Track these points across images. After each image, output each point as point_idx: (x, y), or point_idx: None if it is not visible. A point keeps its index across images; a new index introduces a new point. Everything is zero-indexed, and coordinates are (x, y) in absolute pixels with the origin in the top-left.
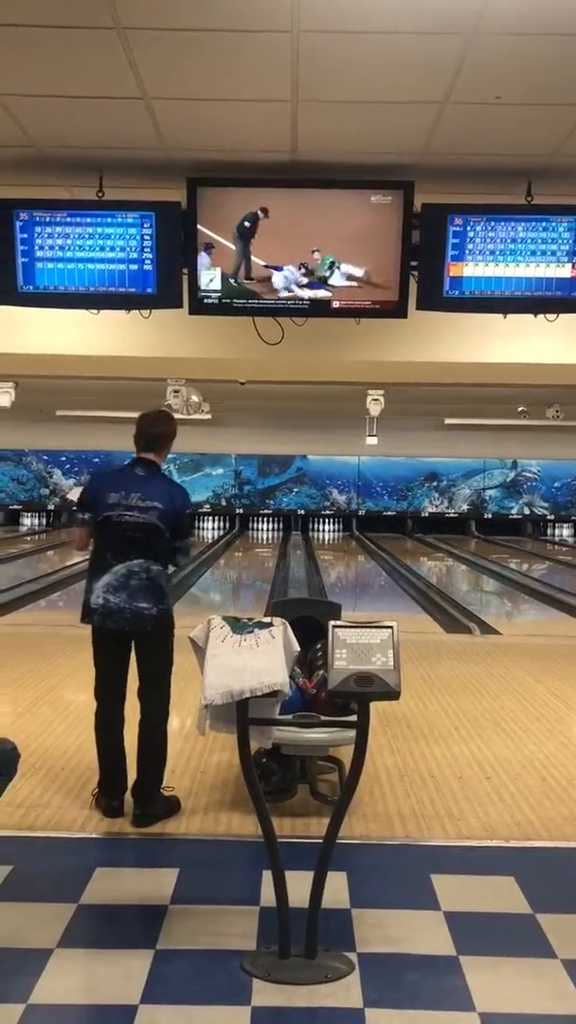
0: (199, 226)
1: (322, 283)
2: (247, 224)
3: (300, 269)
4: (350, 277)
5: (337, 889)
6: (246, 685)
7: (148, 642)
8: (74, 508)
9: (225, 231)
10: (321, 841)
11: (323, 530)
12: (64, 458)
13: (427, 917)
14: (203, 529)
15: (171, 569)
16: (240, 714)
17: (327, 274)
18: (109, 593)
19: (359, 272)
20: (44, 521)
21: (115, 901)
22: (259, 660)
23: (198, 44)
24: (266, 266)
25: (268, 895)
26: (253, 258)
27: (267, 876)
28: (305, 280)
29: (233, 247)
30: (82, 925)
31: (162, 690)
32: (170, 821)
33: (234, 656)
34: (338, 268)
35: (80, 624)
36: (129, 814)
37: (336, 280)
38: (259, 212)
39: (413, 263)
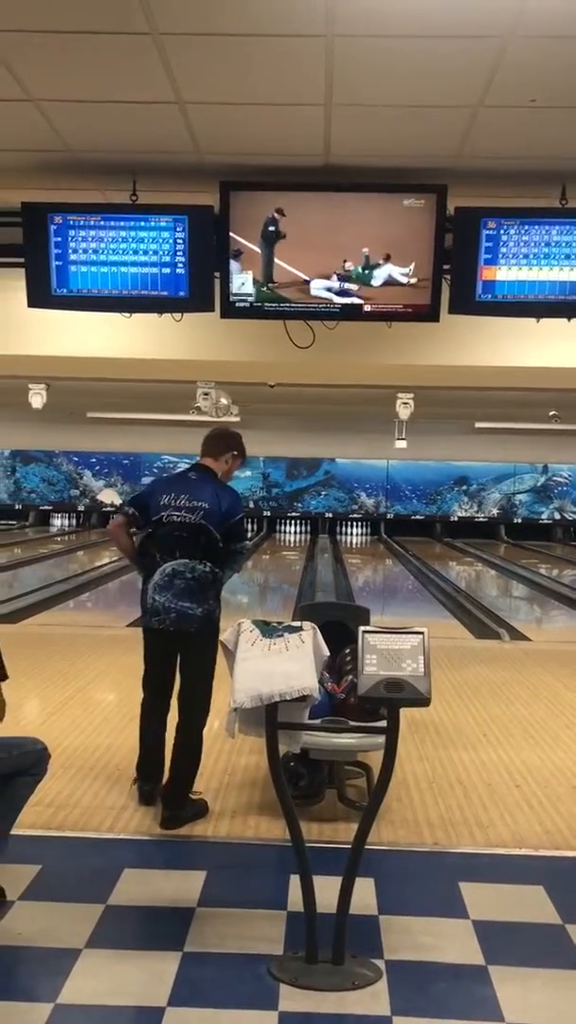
0: (231, 231)
1: (362, 285)
2: (270, 228)
3: (339, 272)
4: (389, 281)
5: (365, 895)
6: (275, 689)
7: (192, 642)
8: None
9: (255, 235)
10: (348, 846)
11: (351, 533)
12: (94, 459)
13: (455, 925)
14: (247, 551)
15: (230, 575)
16: (269, 718)
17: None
18: (156, 592)
19: (400, 274)
20: (74, 522)
21: (143, 902)
22: (288, 664)
23: (232, 48)
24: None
25: (295, 899)
26: (279, 262)
27: (294, 880)
28: (345, 286)
29: (260, 252)
30: (110, 926)
31: (203, 694)
32: (198, 823)
33: (263, 660)
34: (375, 270)
35: (109, 625)
36: (155, 805)
37: (375, 282)
38: (274, 214)
39: (446, 267)
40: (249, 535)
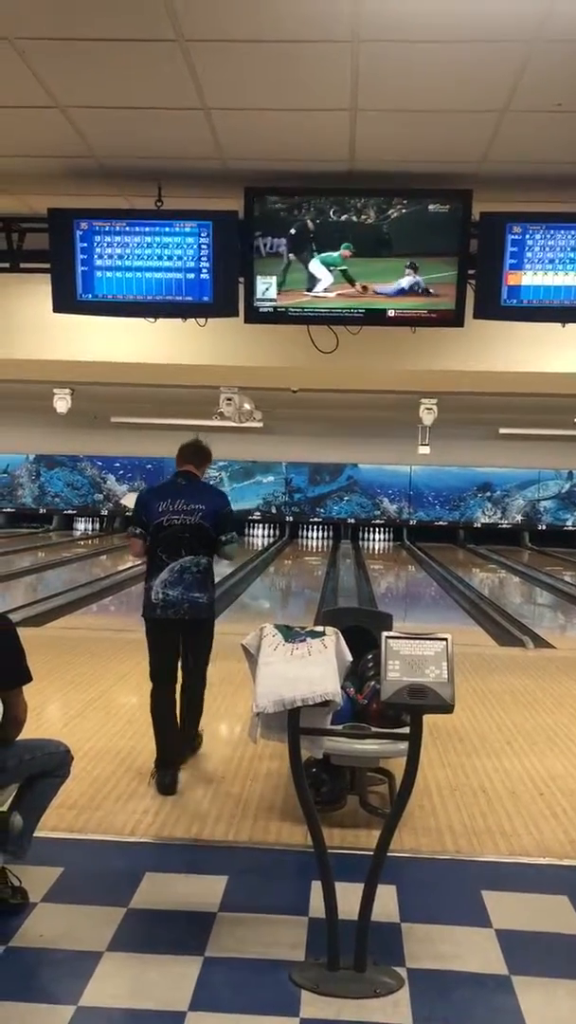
0: (256, 235)
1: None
2: (295, 233)
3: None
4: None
5: (386, 902)
6: (298, 694)
7: (200, 627)
8: (129, 525)
9: (282, 241)
10: (371, 853)
11: (373, 539)
12: (118, 464)
13: (478, 934)
14: (253, 536)
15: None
16: (291, 723)
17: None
18: (168, 588)
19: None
20: (98, 526)
21: (164, 906)
22: (311, 669)
23: (258, 54)
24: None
25: (317, 906)
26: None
27: (316, 886)
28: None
29: (288, 257)
30: (131, 929)
31: (205, 664)
32: (219, 827)
33: (286, 665)
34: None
35: (131, 628)
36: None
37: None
38: (307, 222)
39: (471, 271)
40: (237, 534)
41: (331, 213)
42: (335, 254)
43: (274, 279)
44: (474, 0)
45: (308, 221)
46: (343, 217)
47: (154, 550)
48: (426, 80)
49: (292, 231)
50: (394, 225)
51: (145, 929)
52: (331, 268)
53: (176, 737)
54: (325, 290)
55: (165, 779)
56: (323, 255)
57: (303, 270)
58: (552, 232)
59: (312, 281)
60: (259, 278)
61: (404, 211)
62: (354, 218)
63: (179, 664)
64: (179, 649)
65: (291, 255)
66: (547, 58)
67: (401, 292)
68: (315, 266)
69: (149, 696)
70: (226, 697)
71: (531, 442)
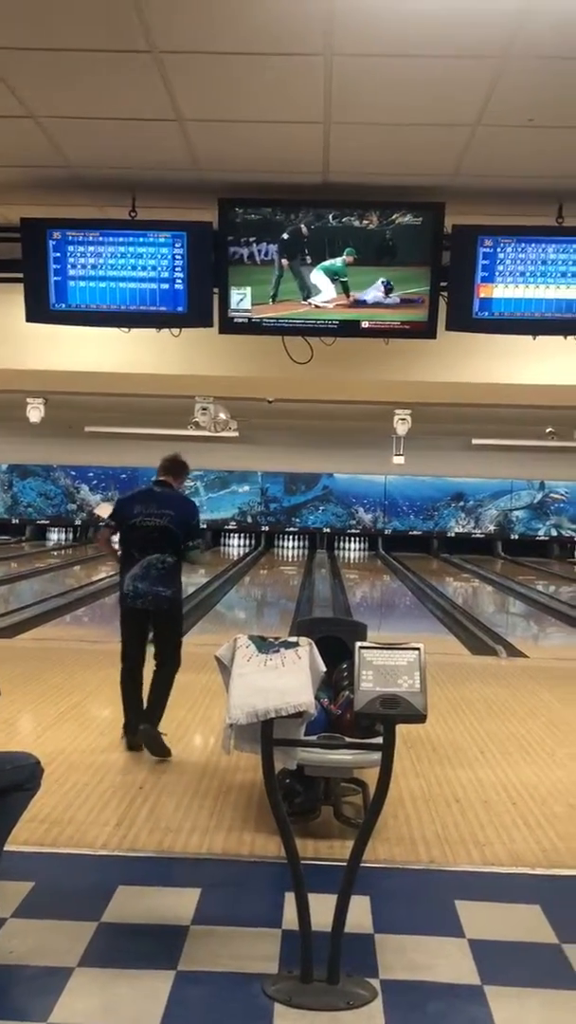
0: (230, 246)
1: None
2: (288, 239)
3: (384, 286)
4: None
5: (360, 913)
6: (271, 705)
7: (164, 617)
8: (103, 523)
9: (259, 250)
10: (344, 864)
11: (348, 549)
12: (92, 474)
13: (451, 944)
14: (228, 546)
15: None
16: (265, 734)
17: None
18: (137, 581)
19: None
20: (71, 536)
21: (137, 920)
22: (285, 680)
23: (232, 67)
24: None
25: (290, 917)
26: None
27: (290, 898)
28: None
29: (279, 265)
30: (103, 944)
31: (174, 654)
32: (192, 839)
33: (260, 676)
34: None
35: (105, 639)
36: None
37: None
38: (302, 227)
39: (443, 284)
40: (202, 541)
41: (330, 219)
42: (338, 262)
43: (249, 290)
44: (445, 16)
45: (303, 227)
46: (342, 221)
47: (128, 548)
48: (399, 94)
49: (285, 237)
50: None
51: (117, 944)
52: (335, 278)
53: (140, 712)
54: (326, 301)
55: (131, 741)
56: (326, 264)
57: (296, 279)
58: (523, 245)
59: (309, 291)
60: (233, 289)
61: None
62: (357, 223)
63: (144, 649)
64: (146, 635)
65: (284, 262)
66: (518, 74)
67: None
68: (317, 276)
69: (120, 673)
70: (200, 708)
71: (504, 453)
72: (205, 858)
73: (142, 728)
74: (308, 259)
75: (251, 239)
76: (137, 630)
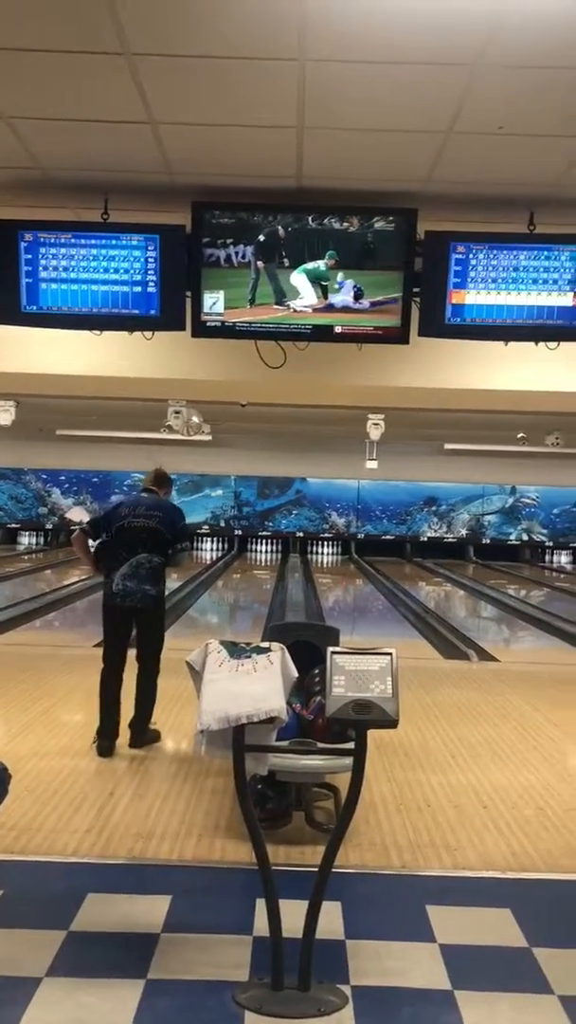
0: (205, 248)
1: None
2: (265, 241)
3: (355, 290)
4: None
5: (332, 919)
6: (243, 711)
7: (149, 615)
8: (75, 526)
9: (235, 253)
10: (316, 870)
11: (322, 553)
12: (63, 477)
13: (422, 949)
14: (201, 550)
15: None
16: (236, 740)
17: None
18: (126, 580)
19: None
20: (42, 540)
21: (106, 928)
22: (256, 686)
23: (206, 70)
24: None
25: (262, 924)
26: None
27: (261, 904)
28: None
29: (255, 268)
30: (72, 953)
31: (156, 654)
32: (163, 846)
33: (231, 681)
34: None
35: (76, 644)
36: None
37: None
38: (279, 229)
39: (415, 289)
40: (190, 544)
41: (310, 221)
42: (321, 265)
43: (222, 293)
44: (418, 24)
45: (280, 229)
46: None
47: (117, 548)
48: (371, 100)
49: (261, 239)
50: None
51: (86, 952)
52: (317, 282)
53: (117, 714)
54: (306, 305)
55: (105, 742)
56: (310, 267)
57: (272, 283)
58: (495, 252)
59: (284, 295)
60: (206, 292)
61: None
62: (337, 225)
63: (126, 650)
64: (130, 636)
65: (260, 265)
66: (489, 82)
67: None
68: (298, 279)
69: (100, 674)
70: (172, 714)
71: (475, 458)
72: (176, 865)
73: (133, 739)
74: (285, 262)
75: (227, 241)
76: (123, 629)
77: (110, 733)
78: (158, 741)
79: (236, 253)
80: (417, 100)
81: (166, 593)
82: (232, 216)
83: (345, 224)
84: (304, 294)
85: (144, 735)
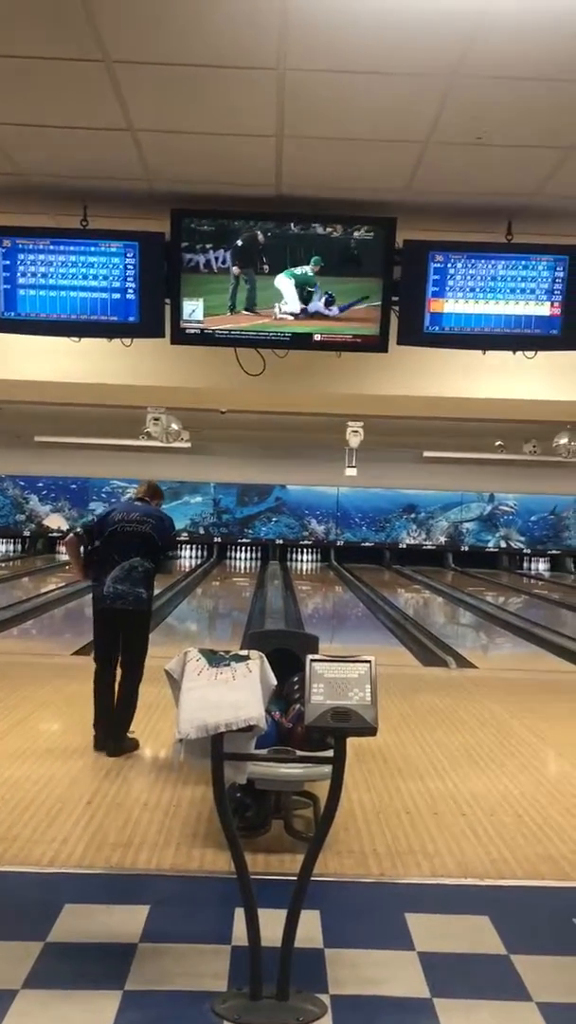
0: (184, 253)
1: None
2: (244, 247)
3: (325, 296)
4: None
5: (310, 928)
6: (221, 719)
7: (138, 619)
8: (73, 531)
9: (215, 258)
10: (295, 878)
11: (301, 560)
12: (41, 484)
13: (401, 958)
14: (180, 557)
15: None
16: (215, 748)
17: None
18: (118, 583)
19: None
20: (19, 547)
21: (84, 939)
22: (235, 694)
23: (185, 78)
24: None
25: (240, 933)
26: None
27: (240, 913)
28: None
29: (234, 276)
30: (49, 964)
31: (141, 661)
32: (141, 855)
33: (210, 689)
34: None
35: (54, 653)
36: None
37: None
38: (258, 235)
39: (394, 298)
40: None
41: (292, 226)
42: (308, 271)
43: (202, 300)
44: (396, 34)
45: (259, 235)
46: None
47: (109, 553)
48: (350, 109)
49: (239, 244)
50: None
51: (63, 964)
52: (303, 287)
53: (110, 709)
54: (289, 312)
55: (99, 738)
56: (298, 273)
57: (253, 289)
58: (473, 261)
59: (266, 301)
60: (185, 299)
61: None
62: (320, 230)
63: (118, 651)
64: (119, 639)
65: (235, 270)
66: (467, 93)
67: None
68: (283, 283)
69: (93, 674)
70: (150, 722)
71: (454, 465)
72: (154, 874)
73: (109, 747)
74: (266, 268)
75: (206, 247)
76: (114, 632)
77: (102, 726)
78: (136, 750)
79: (216, 259)
80: (396, 110)
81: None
82: (211, 223)
83: (328, 230)
84: (288, 299)
85: (122, 743)
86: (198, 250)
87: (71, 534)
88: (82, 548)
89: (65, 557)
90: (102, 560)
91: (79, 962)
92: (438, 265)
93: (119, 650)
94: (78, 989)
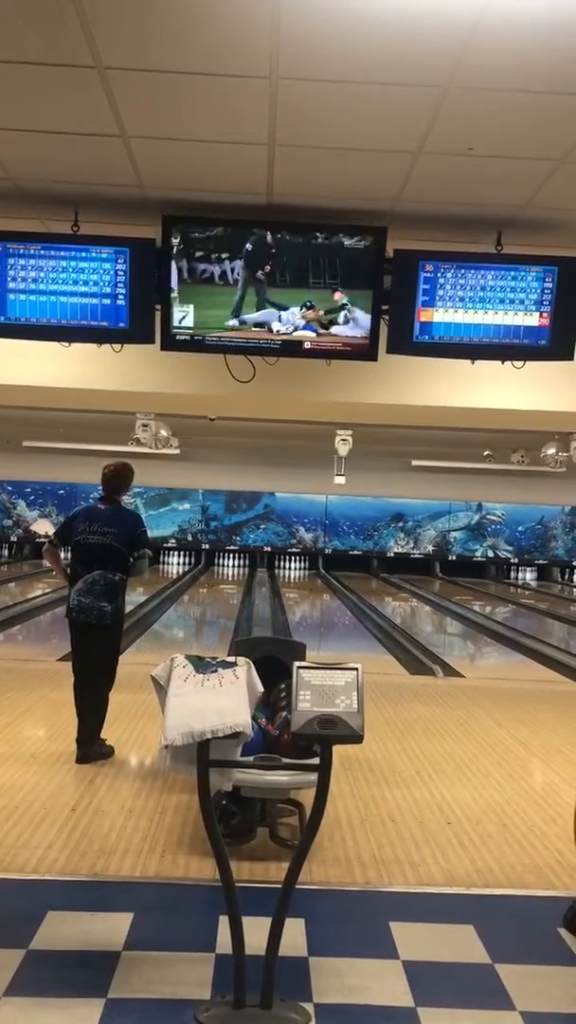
0: (173, 263)
1: (326, 326)
2: (251, 250)
3: (302, 308)
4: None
5: (295, 936)
6: (208, 726)
7: (105, 632)
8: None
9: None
10: (280, 886)
11: (289, 568)
12: (29, 489)
13: (385, 966)
14: (168, 564)
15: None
16: (201, 755)
17: (334, 317)
18: (81, 596)
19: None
20: (6, 553)
21: (66, 946)
22: (222, 700)
23: (178, 85)
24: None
25: (224, 941)
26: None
27: (224, 921)
28: (303, 323)
29: (241, 280)
30: (31, 972)
31: (108, 667)
32: (126, 862)
33: (196, 696)
34: (349, 313)
35: (40, 658)
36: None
37: (339, 325)
38: (267, 236)
39: (384, 307)
40: (149, 550)
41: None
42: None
43: (191, 307)
44: (389, 44)
45: (249, 244)
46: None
47: (74, 564)
48: (342, 119)
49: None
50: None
51: (46, 971)
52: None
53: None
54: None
55: (79, 753)
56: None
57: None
58: (463, 271)
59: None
60: (176, 306)
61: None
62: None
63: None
64: (87, 649)
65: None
66: (459, 104)
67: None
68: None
69: (72, 685)
70: (135, 728)
71: (442, 474)
72: (139, 881)
73: (80, 754)
74: (260, 275)
75: (196, 255)
76: (82, 644)
77: (82, 742)
78: (110, 756)
79: (207, 268)
80: (388, 120)
81: (126, 608)
82: (203, 231)
83: (323, 239)
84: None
85: (91, 749)
86: (188, 257)
87: (47, 544)
88: (61, 553)
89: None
90: (71, 571)
91: (62, 970)
92: (428, 275)
93: (89, 660)
94: (60, 997)
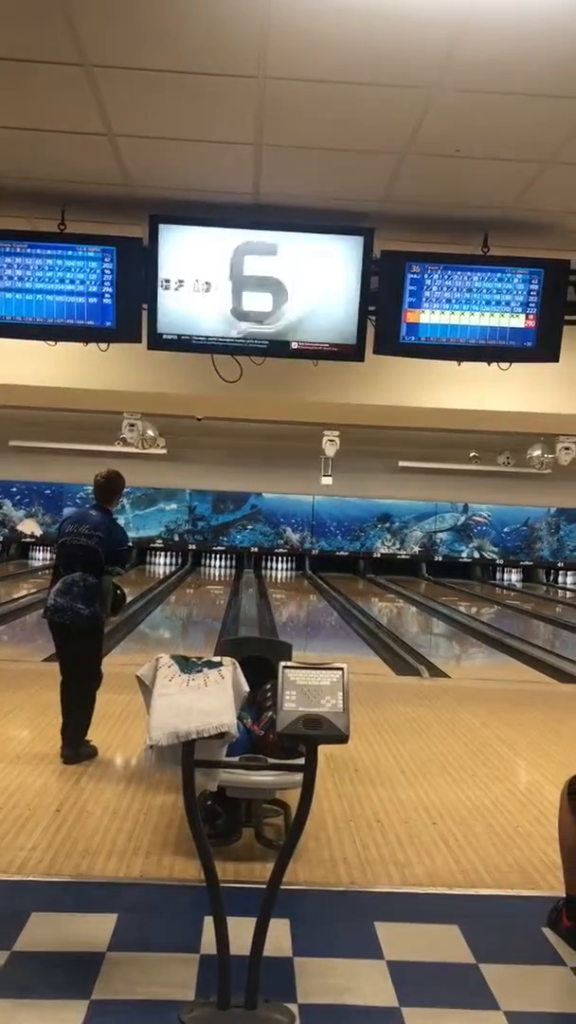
0: (160, 262)
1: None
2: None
3: None
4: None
5: (280, 937)
6: (193, 726)
7: (81, 633)
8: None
9: (191, 268)
10: (265, 886)
11: (276, 568)
12: (15, 489)
13: (370, 967)
14: (154, 564)
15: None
16: (186, 755)
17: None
18: (58, 596)
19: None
20: None
21: (50, 948)
22: (207, 701)
23: (165, 84)
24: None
25: (209, 942)
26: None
27: (209, 922)
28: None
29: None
30: (14, 973)
31: (89, 670)
32: (110, 863)
33: (182, 696)
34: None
35: (25, 659)
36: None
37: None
38: (234, 243)
39: (371, 308)
40: (128, 565)
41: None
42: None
43: (178, 307)
44: (377, 45)
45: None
46: None
47: (57, 564)
48: (330, 119)
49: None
50: None
51: (29, 973)
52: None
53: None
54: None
55: (64, 752)
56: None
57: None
58: (449, 273)
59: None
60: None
61: None
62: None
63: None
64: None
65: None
66: (446, 106)
67: None
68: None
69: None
70: (121, 729)
71: (429, 475)
72: (123, 882)
73: (66, 753)
74: (243, 273)
75: (183, 254)
76: (61, 644)
77: (66, 741)
78: (94, 757)
79: (191, 267)
80: (375, 120)
81: (102, 610)
82: (188, 231)
83: (305, 239)
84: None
85: (77, 749)
86: (175, 257)
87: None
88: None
89: (37, 563)
90: (53, 571)
91: (46, 971)
92: (415, 276)
93: (70, 660)
94: (44, 998)
